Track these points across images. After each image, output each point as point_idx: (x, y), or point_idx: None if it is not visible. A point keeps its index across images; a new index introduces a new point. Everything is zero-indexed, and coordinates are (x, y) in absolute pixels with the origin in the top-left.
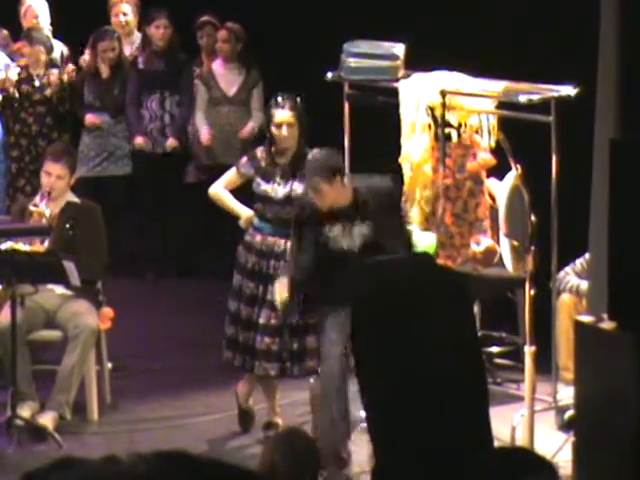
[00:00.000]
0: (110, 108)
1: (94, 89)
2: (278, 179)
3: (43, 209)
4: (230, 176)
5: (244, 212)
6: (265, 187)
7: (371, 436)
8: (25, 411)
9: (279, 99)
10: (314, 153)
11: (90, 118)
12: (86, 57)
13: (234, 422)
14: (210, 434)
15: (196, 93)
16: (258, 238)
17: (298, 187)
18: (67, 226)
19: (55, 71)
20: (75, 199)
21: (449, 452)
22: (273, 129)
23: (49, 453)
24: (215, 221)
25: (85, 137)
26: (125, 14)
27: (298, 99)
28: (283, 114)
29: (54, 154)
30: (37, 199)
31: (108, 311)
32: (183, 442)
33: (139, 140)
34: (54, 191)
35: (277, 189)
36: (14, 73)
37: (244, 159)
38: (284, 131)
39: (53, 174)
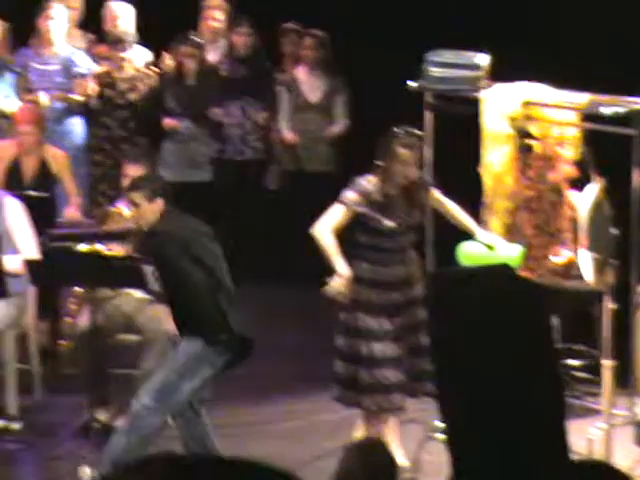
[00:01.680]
0: (192, 114)
1: (176, 95)
2: (395, 210)
3: (122, 208)
4: (340, 217)
5: (343, 272)
6: (389, 223)
7: (448, 446)
8: (103, 415)
9: (407, 137)
10: (146, 174)
11: (169, 122)
12: (168, 61)
13: (312, 429)
14: (289, 441)
15: (279, 100)
16: (382, 270)
17: (416, 215)
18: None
19: (140, 76)
20: None
21: (526, 464)
22: (397, 165)
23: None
24: (297, 228)
25: (166, 143)
26: (216, 19)
27: (420, 134)
28: (412, 156)
29: (132, 156)
30: (119, 203)
31: None
32: (262, 448)
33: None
34: None
35: (397, 221)
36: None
37: (353, 195)
38: (409, 171)
39: (131, 175)
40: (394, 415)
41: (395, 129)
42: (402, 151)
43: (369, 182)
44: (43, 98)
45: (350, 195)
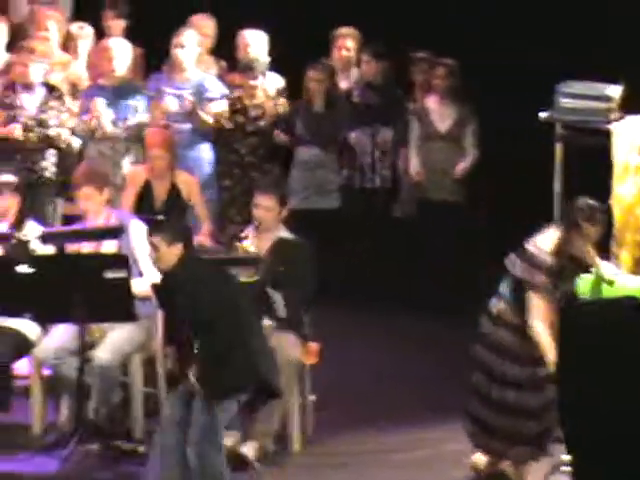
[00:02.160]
0: (320, 141)
1: (305, 121)
2: (564, 278)
3: (248, 245)
4: (544, 307)
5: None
6: (558, 294)
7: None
8: (228, 440)
9: (593, 212)
10: (168, 218)
11: (278, 134)
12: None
13: (440, 458)
14: (417, 470)
15: (409, 129)
16: None
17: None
18: (275, 264)
19: (270, 103)
20: (286, 234)
21: None
22: (578, 239)
23: None
24: (424, 257)
25: (294, 169)
26: (348, 49)
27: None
28: (595, 232)
29: (263, 186)
30: (248, 230)
31: (314, 346)
32: (389, 477)
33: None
34: (263, 223)
35: (565, 288)
36: (223, 105)
37: (543, 278)
38: (588, 246)
39: (261, 206)
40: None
41: (579, 200)
42: (587, 226)
43: (543, 253)
44: (172, 103)
45: (540, 279)
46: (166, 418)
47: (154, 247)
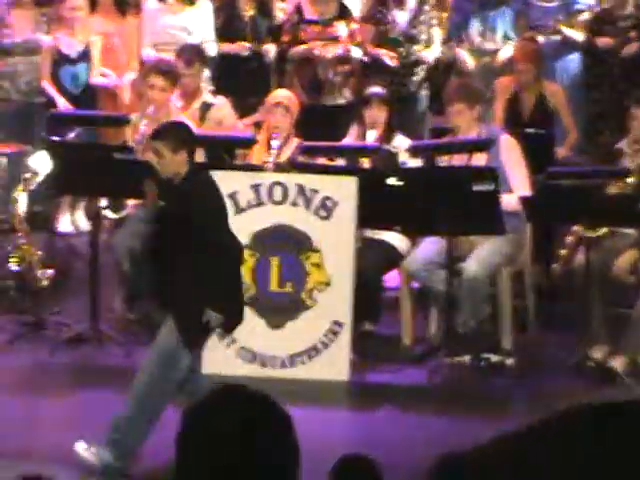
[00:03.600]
0: None
1: None
2: None
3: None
4: None
5: None
6: None
7: None
8: (597, 353)
9: None
10: (171, 123)
11: None
12: None
13: None
14: None
15: None
16: None
17: None
18: None
19: None
20: None
21: None
22: None
23: (618, 396)
24: None
25: None
26: None
27: None
28: None
29: (637, 100)
30: (622, 143)
31: None
32: None
33: None
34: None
35: None
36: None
37: None
38: None
39: (638, 119)
40: None
41: None
42: None
43: None
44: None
45: None
46: None
47: (157, 153)
